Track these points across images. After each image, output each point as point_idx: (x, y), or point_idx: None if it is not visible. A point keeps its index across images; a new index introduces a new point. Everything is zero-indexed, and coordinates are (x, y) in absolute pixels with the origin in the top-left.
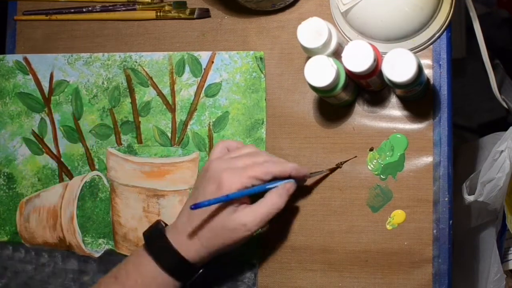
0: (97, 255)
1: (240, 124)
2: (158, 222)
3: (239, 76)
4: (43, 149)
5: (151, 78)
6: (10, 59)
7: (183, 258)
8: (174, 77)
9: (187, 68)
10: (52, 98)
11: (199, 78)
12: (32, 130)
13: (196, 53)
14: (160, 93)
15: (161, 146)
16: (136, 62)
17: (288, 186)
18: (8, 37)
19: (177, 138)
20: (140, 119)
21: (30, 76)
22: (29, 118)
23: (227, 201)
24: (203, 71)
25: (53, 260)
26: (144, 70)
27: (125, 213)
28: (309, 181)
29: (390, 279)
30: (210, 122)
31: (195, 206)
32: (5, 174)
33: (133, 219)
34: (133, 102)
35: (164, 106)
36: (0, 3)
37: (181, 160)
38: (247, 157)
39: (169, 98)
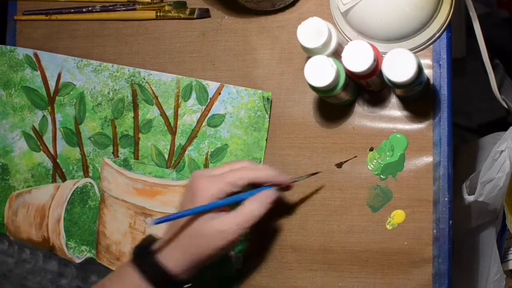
0: (78, 261)
1: (237, 159)
2: (149, 236)
3: (243, 112)
4: (41, 147)
5: (156, 97)
6: (21, 52)
7: (163, 268)
8: (180, 101)
9: (193, 95)
10: (57, 98)
11: (204, 107)
12: (33, 125)
13: (204, 82)
14: (163, 114)
15: (157, 166)
16: (144, 79)
17: (268, 194)
18: (8, 37)
19: (173, 161)
20: (140, 135)
21: (38, 73)
22: (31, 113)
23: (194, 214)
24: (209, 100)
25: (34, 257)
26: (151, 88)
27: (111, 225)
28: (308, 180)
29: (390, 279)
30: (208, 151)
31: (156, 221)
32: (0, 164)
33: (118, 233)
34: (135, 117)
35: (166, 127)
36: (0, 3)
37: (174, 184)
38: (226, 166)
39: (171, 120)
